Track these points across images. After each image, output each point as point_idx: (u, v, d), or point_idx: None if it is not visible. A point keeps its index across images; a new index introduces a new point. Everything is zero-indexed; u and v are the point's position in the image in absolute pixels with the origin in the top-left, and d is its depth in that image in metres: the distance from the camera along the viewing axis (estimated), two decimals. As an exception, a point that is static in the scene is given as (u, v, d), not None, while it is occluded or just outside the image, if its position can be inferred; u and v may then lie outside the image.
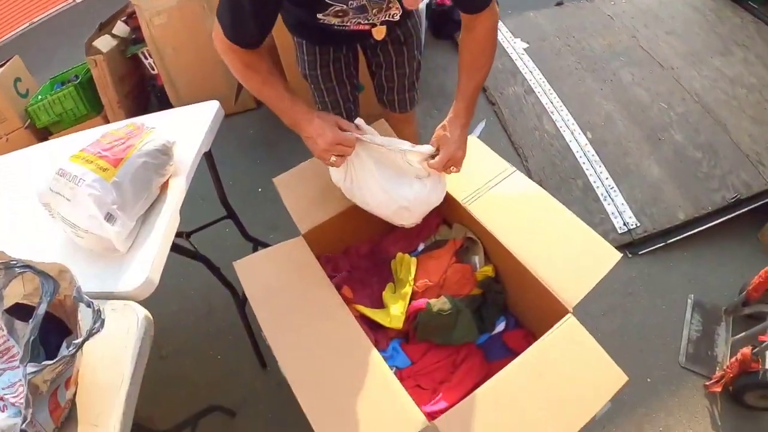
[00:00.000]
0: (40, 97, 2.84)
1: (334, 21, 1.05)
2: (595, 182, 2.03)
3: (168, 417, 1.57)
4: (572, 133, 2.21)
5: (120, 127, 1.25)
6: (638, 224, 1.88)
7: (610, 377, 0.92)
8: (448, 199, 1.19)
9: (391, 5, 1.04)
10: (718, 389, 1.56)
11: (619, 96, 2.33)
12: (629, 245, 1.88)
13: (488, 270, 1.19)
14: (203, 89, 2.72)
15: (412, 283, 1.15)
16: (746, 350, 1.46)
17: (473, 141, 1.31)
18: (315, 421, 0.88)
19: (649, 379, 1.62)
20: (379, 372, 0.94)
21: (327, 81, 1.39)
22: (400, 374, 1.08)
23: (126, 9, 2.98)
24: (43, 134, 2.90)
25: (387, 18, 1.09)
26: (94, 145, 1.14)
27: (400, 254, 1.22)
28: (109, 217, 1.04)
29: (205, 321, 1.81)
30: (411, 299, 1.14)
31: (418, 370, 1.11)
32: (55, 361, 0.74)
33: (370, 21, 1.09)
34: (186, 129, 1.34)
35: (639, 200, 1.95)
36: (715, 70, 2.37)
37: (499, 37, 2.76)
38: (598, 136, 2.19)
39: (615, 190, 1.99)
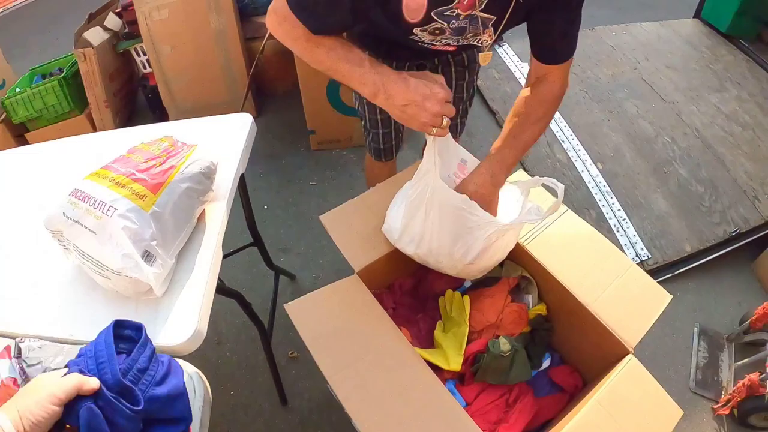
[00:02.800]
0: (18, 89, 2.63)
1: (427, 38, 0.97)
2: (607, 213, 2.07)
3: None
4: (584, 163, 2.24)
5: (151, 141, 1.07)
6: (649, 256, 1.93)
7: (669, 412, 0.96)
8: (503, 238, 1.17)
9: (486, 31, 0.97)
10: (726, 412, 1.64)
11: (625, 127, 2.39)
12: (641, 277, 1.92)
13: (541, 308, 1.18)
14: (201, 93, 2.61)
15: (467, 322, 1.13)
16: (754, 376, 1.55)
17: (524, 176, 1.30)
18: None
19: (665, 405, 1.66)
20: (461, 422, 0.91)
21: None
22: (457, 417, 1.06)
23: (119, 0, 2.82)
24: (18, 130, 2.71)
25: (476, 42, 1.02)
26: (123, 163, 0.95)
27: (449, 291, 1.19)
28: (147, 256, 0.86)
29: (214, 352, 1.69)
30: (467, 339, 1.12)
31: (474, 411, 1.08)
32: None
33: (461, 43, 1.01)
34: (219, 145, 1.19)
35: (649, 232, 2.00)
36: (713, 106, 2.46)
37: (506, 61, 2.79)
38: (609, 167, 2.23)
39: (627, 222, 2.03)
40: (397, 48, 1.06)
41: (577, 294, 1.07)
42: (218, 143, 1.21)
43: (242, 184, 1.34)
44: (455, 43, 1.01)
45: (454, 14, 0.88)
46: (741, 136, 2.34)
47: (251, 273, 1.86)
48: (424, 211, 0.98)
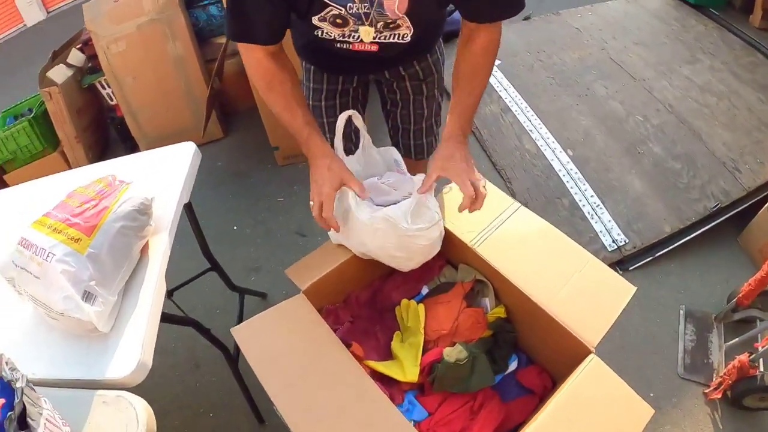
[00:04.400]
0: (-8, 133, 2.65)
1: (334, 32, 0.96)
2: (580, 200, 2.02)
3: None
4: (553, 151, 2.20)
5: (88, 183, 1.12)
6: (627, 240, 1.88)
7: (638, 412, 0.91)
8: (454, 241, 1.14)
9: (400, 22, 0.95)
10: (718, 396, 1.58)
11: (595, 110, 2.35)
12: (619, 262, 1.87)
13: (500, 311, 1.14)
14: (167, 121, 2.61)
15: (422, 331, 1.10)
16: (744, 357, 1.49)
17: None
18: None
19: (651, 394, 1.61)
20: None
21: (331, 115, 1.30)
22: (419, 427, 1.03)
23: (80, 35, 2.82)
24: (-4, 173, 2.72)
25: (396, 40, 1.00)
26: (61, 209, 1.01)
27: (405, 301, 1.16)
28: (88, 296, 0.91)
29: (192, 376, 1.69)
30: (423, 349, 1.09)
31: (437, 421, 1.05)
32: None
33: (379, 40, 1.00)
34: (161, 178, 1.22)
35: (625, 216, 1.95)
36: (685, 78, 2.42)
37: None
38: (579, 153, 2.19)
39: (601, 208, 1.99)
40: (334, 57, 1.07)
41: (532, 294, 1.03)
42: (161, 175, 1.24)
43: (191, 212, 1.33)
44: (373, 40, 0.99)
45: None
46: (716, 106, 2.28)
47: (225, 295, 1.85)
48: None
